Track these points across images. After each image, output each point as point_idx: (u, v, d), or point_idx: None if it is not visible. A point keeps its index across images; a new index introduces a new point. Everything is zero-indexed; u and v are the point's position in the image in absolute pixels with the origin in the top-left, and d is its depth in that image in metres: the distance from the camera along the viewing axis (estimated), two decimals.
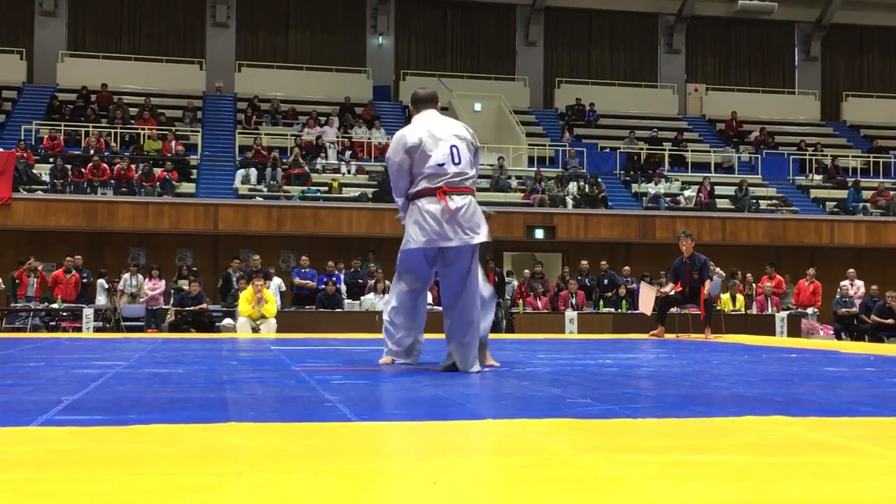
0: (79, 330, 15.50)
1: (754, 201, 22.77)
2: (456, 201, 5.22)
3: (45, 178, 20.12)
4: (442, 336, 5.50)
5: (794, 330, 17.16)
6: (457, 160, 5.27)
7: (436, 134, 5.33)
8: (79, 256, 17.11)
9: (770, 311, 17.93)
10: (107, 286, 17.27)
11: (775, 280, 18.70)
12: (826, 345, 11.11)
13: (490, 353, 5.98)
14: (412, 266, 5.43)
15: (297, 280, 17.34)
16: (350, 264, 18.15)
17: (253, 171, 21.48)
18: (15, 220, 18.81)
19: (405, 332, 5.65)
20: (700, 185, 22.79)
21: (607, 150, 25.19)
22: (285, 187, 20.97)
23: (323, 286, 16.92)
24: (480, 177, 22.66)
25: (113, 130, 22.78)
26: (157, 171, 20.67)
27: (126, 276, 17.14)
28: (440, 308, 5.56)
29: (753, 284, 18.73)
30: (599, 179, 22.67)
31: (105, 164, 20.35)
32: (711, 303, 12.44)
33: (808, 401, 4.16)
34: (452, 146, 5.29)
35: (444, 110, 26.15)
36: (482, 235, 5.29)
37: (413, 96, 5.74)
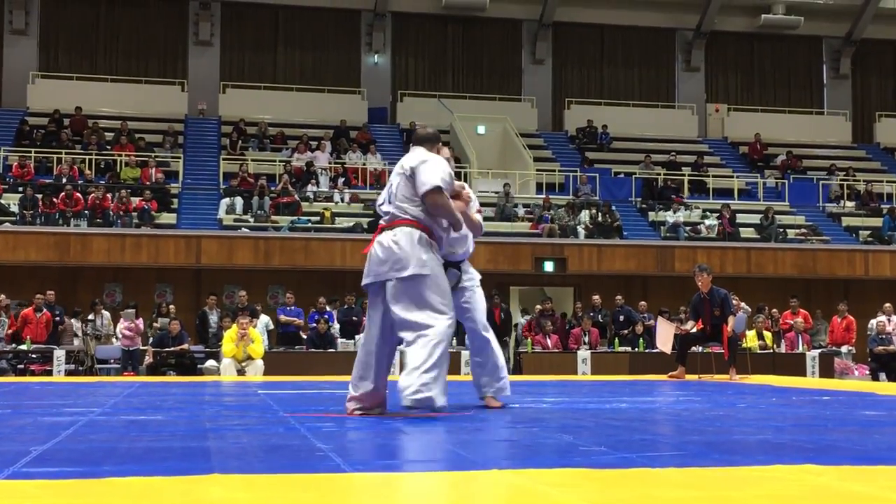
0: (49, 373, 15.46)
1: (781, 230, 22.78)
2: (386, 236, 5.52)
3: (14, 208, 20.17)
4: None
5: (827, 370, 17.10)
6: (391, 199, 5.67)
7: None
8: (51, 292, 17.12)
9: (801, 349, 17.90)
10: (81, 326, 17.25)
11: (801, 315, 18.67)
12: (861, 386, 11.08)
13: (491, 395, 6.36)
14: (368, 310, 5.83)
15: (282, 317, 17.33)
16: (344, 300, 18.15)
17: (238, 200, 21.52)
18: None
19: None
20: (725, 211, 22.80)
21: (622, 175, 25.25)
22: (273, 217, 21.01)
23: (314, 324, 16.90)
24: (485, 205, 22.74)
25: (87, 157, 22.85)
26: (135, 200, 20.72)
27: (90, 315, 17.12)
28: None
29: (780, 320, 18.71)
30: (613, 207, 22.71)
31: (78, 194, 20.40)
32: (736, 341, 12.40)
33: (843, 448, 4.15)
34: (391, 185, 5.73)
35: (446, 133, 26.37)
36: (404, 271, 5.39)
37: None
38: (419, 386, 5.16)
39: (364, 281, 5.59)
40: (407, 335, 5.39)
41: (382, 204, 5.73)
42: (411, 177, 5.54)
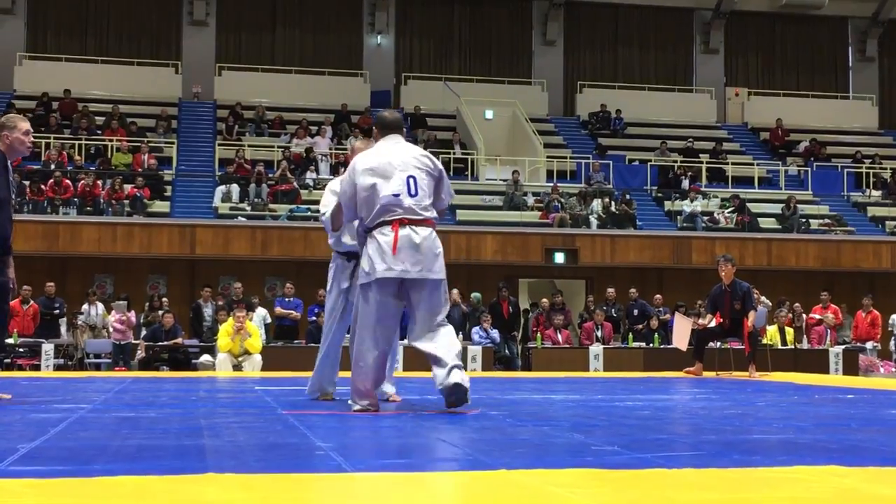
0: (37, 368, 15.50)
1: (804, 221, 22.75)
2: (419, 233, 5.52)
3: None
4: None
5: (851, 367, 17.09)
6: (413, 191, 5.57)
7: (393, 163, 5.64)
8: (51, 284, 17.22)
9: (826, 345, 17.88)
10: (73, 319, 17.31)
11: (831, 309, 18.63)
12: (887, 384, 11.06)
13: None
14: (377, 300, 5.63)
15: (278, 310, 17.23)
16: None
17: (235, 188, 21.52)
18: None
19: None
20: (732, 202, 22.75)
21: (636, 162, 25.21)
22: (271, 206, 21.02)
23: (314, 318, 16.91)
24: (493, 193, 22.72)
25: (77, 142, 22.88)
26: (127, 187, 20.75)
27: (84, 306, 17.22)
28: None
29: (803, 315, 18.69)
30: (628, 196, 22.69)
31: (68, 180, 20.43)
32: (756, 336, 12.40)
33: (867, 448, 4.15)
34: (410, 176, 5.60)
35: (452, 118, 26.33)
36: (437, 272, 5.57)
37: (378, 120, 6.00)
38: None
39: (411, 274, 5.48)
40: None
41: (399, 195, 5.52)
42: (438, 179, 5.69)
